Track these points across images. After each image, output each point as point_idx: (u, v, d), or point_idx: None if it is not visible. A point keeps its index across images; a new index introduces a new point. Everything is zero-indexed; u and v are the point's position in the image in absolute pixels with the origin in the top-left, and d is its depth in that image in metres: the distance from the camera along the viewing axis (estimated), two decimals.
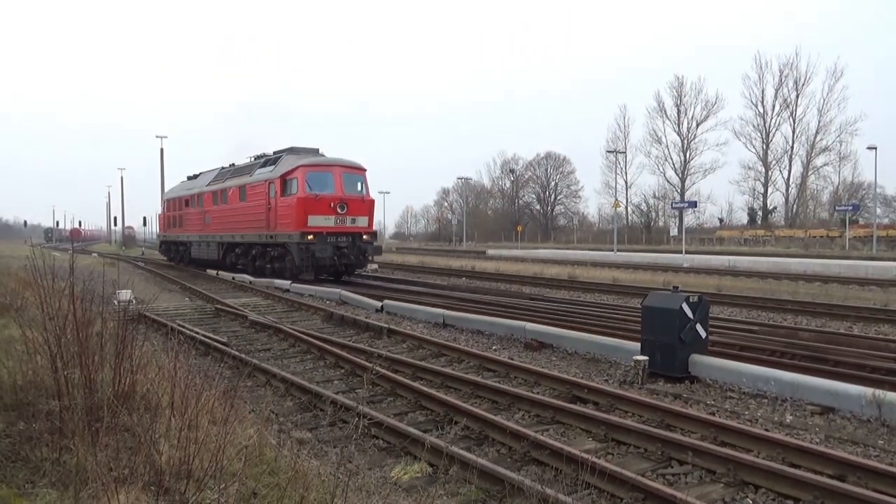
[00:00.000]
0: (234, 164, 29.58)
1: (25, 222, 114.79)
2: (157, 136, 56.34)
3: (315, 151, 24.51)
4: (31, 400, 5.28)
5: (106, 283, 7.23)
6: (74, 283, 5.82)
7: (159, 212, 38.91)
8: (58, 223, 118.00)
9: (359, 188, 22.85)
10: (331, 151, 25.05)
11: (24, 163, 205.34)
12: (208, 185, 29.98)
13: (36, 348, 5.67)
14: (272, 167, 23.81)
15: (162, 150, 55.53)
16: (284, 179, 22.41)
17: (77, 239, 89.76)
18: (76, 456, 4.10)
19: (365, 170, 23.41)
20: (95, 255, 44.28)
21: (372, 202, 23.54)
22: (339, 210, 21.62)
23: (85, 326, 5.27)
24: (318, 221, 21.37)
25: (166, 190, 37.47)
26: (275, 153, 25.22)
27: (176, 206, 34.47)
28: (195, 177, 34.17)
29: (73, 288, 5.67)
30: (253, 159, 27.02)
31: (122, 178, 71.24)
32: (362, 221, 22.41)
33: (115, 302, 8.74)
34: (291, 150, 24.33)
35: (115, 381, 5.01)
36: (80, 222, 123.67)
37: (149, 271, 29.81)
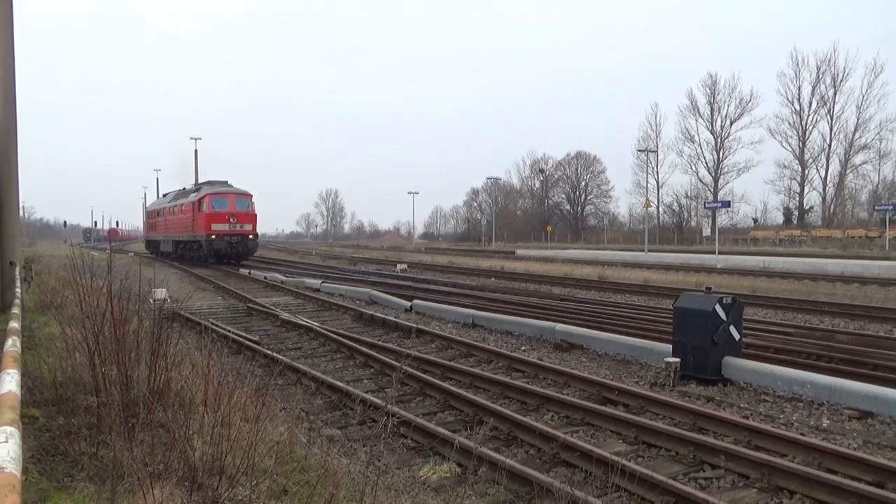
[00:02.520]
0: (185, 188, 42.95)
1: (65, 222, 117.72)
2: (191, 138, 57.65)
3: (225, 183, 37.18)
4: (70, 396, 5.41)
5: (142, 282, 7.37)
6: (112, 282, 5.96)
7: (144, 219, 54.29)
8: (96, 223, 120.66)
9: (246, 206, 34.83)
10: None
11: (64, 164, 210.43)
12: (169, 202, 42.76)
13: (75, 345, 5.81)
14: (196, 193, 36.36)
15: (196, 151, 56.73)
16: (200, 202, 34.48)
17: (114, 239, 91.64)
18: (113, 451, 4.19)
19: (251, 195, 35.63)
20: (132, 254, 45.34)
21: (255, 215, 35.15)
22: (231, 220, 33.59)
23: (122, 324, 5.38)
24: (218, 227, 33.26)
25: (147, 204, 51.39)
26: (203, 183, 38.82)
27: (153, 216, 48.88)
28: (166, 195, 47.49)
29: (110, 287, 5.80)
30: (193, 185, 40.78)
31: (157, 178, 72.93)
32: (247, 227, 34.33)
33: (151, 300, 8.91)
34: (209, 183, 38.05)
35: (150, 378, 5.12)
36: (117, 222, 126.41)
37: (183, 271, 30.35)
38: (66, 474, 4.23)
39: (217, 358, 5.55)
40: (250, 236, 34.38)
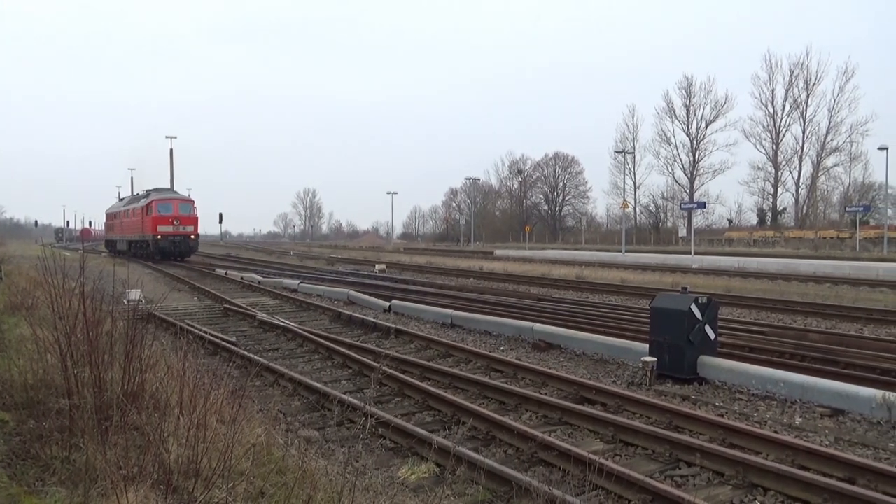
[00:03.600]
0: (138, 193, 47.62)
1: (36, 222, 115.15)
2: (166, 137, 56.92)
3: (170, 189, 44.95)
4: (42, 398, 5.31)
5: (115, 283, 7.27)
6: (84, 283, 5.86)
7: (104, 221, 59.41)
8: (68, 223, 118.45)
9: (188, 210, 39.41)
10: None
11: (35, 163, 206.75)
12: (123, 206, 48.11)
13: (46, 347, 5.71)
14: (145, 199, 41.00)
15: (171, 150, 56.00)
16: (148, 206, 39.13)
17: (87, 239, 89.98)
18: (86, 454, 4.12)
19: (193, 201, 40.86)
20: (104, 254, 44.88)
21: (196, 218, 39.59)
22: (174, 223, 38.13)
23: (95, 326, 5.30)
24: (163, 229, 37.89)
25: (107, 207, 57.08)
26: (151, 190, 43.25)
27: (111, 218, 53.89)
28: (122, 199, 53.69)
29: (83, 287, 5.71)
30: (145, 192, 44.10)
31: (131, 178, 71.36)
32: (189, 229, 38.87)
33: (125, 301, 8.78)
34: (157, 189, 43.27)
35: (124, 380, 5.04)
36: (90, 222, 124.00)
37: (158, 271, 29.96)
38: (38, 478, 4.15)
39: (193, 359, 5.49)
40: (192, 236, 39.30)
